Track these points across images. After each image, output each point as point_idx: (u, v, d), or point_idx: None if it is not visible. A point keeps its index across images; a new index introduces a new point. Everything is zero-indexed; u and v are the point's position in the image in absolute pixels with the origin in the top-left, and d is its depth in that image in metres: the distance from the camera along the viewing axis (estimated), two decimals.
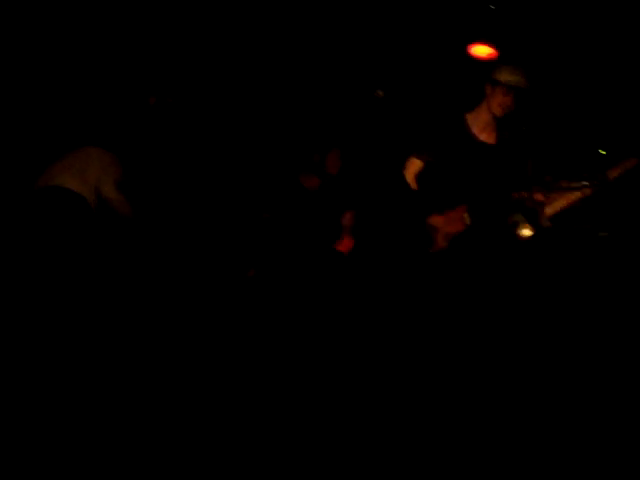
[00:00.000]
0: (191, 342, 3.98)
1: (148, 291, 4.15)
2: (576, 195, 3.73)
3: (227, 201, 4.85)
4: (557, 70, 4.95)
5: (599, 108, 5.13)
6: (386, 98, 4.84)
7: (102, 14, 4.30)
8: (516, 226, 3.62)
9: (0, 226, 3.85)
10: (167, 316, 4.13)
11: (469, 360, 3.54)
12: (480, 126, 3.66)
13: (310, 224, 4.54)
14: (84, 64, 4.29)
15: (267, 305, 4.25)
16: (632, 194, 4.57)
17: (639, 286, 4.14)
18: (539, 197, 3.65)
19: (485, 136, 3.67)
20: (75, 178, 3.74)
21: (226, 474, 2.90)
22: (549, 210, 3.85)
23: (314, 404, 3.49)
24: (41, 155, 4.02)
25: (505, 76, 3.58)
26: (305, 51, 5.01)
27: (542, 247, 4.09)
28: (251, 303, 4.27)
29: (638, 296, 4.08)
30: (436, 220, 3.60)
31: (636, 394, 3.48)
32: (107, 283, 3.88)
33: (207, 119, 4.87)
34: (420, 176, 3.68)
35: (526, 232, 3.60)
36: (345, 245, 4.53)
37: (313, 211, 4.56)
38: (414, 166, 3.66)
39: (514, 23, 4.82)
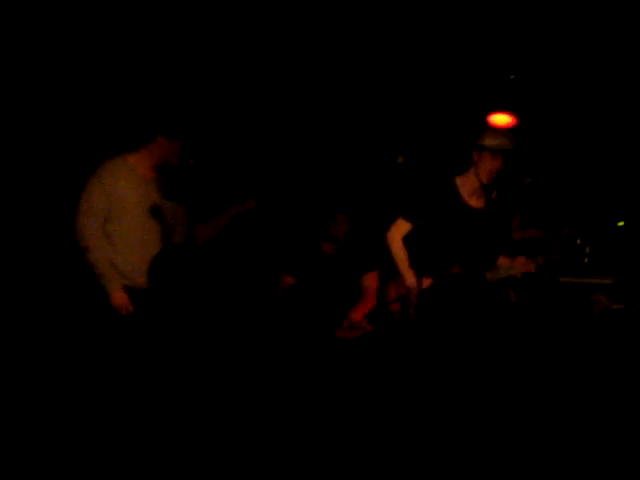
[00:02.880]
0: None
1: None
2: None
3: (249, 267, 4.87)
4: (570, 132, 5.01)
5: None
6: (405, 164, 4.89)
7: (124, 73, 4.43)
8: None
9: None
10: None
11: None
12: (469, 190, 3.70)
13: (330, 287, 4.55)
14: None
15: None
16: None
17: None
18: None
19: (474, 201, 3.71)
20: None
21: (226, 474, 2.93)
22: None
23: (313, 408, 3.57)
24: None
25: (490, 140, 3.62)
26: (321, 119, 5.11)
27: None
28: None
29: None
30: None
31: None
32: None
33: (228, 182, 4.90)
34: (407, 238, 3.68)
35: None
36: (366, 306, 4.52)
37: (332, 274, 4.58)
38: (401, 228, 3.67)
39: (533, 92, 4.89)
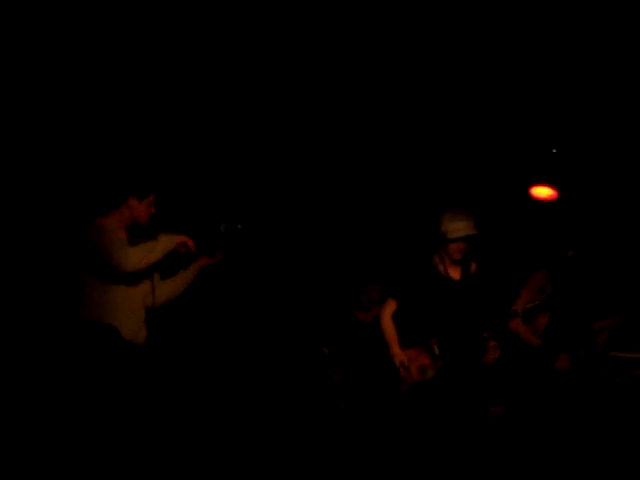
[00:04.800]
0: None
1: None
2: None
3: (288, 335, 4.93)
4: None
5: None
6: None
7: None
8: None
9: None
10: None
11: None
12: (446, 264, 3.97)
13: (368, 356, 4.57)
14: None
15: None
16: None
17: None
18: None
19: (452, 272, 3.99)
20: None
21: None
22: None
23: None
24: None
25: (447, 230, 3.84)
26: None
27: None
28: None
29: None
30: (408, 353, 3.96)
31: None
32: None
33: (273, 248, 5.02)
34: (396, 315, 4.05)
35: None
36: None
37: (370, 343, 4.61)
38: (390, 306, 4.06)
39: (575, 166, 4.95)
